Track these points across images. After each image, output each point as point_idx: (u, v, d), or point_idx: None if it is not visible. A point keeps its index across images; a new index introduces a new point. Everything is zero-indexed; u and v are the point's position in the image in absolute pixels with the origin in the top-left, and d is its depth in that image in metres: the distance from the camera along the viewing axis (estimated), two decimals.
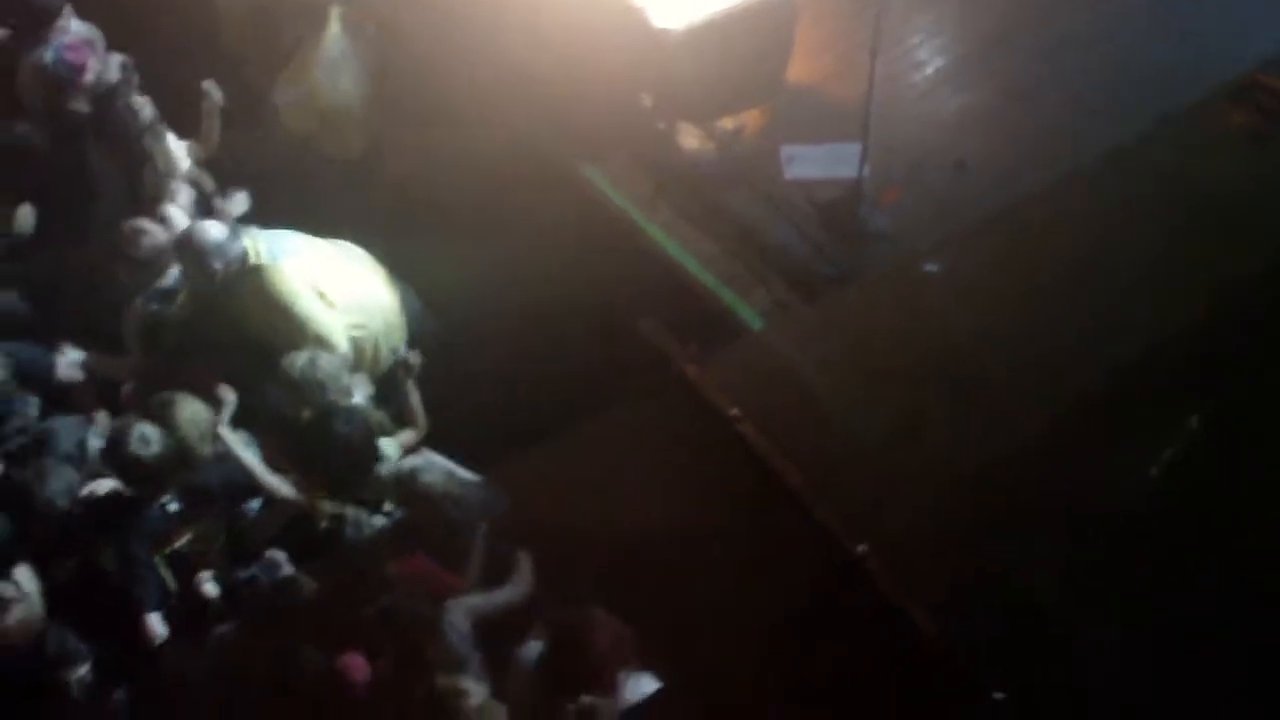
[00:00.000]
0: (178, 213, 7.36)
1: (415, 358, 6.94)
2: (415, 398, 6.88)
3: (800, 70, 8.51)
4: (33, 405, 6.78)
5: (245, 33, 8.52)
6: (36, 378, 6.94)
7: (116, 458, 6.30)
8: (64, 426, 6.67)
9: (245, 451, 6.50)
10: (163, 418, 6.38)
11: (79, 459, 6.52)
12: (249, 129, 8.18)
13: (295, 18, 8.22)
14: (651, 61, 8.10)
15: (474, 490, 6.29)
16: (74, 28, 8.04)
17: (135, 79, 7.84)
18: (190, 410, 6.44)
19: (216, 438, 6.48)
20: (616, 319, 7.47)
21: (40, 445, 6.58)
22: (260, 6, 8.41)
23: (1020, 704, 5.81)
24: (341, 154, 8.34)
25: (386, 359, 7.10)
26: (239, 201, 7.59)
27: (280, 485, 6.46)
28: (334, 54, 8.19)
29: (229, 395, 6.57)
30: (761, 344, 7.55)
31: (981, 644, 6.03)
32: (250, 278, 6.92)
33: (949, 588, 6.25)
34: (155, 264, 7.17)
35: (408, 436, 6.79)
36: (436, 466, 6.41)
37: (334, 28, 8.17)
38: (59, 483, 6.24)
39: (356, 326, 7.01)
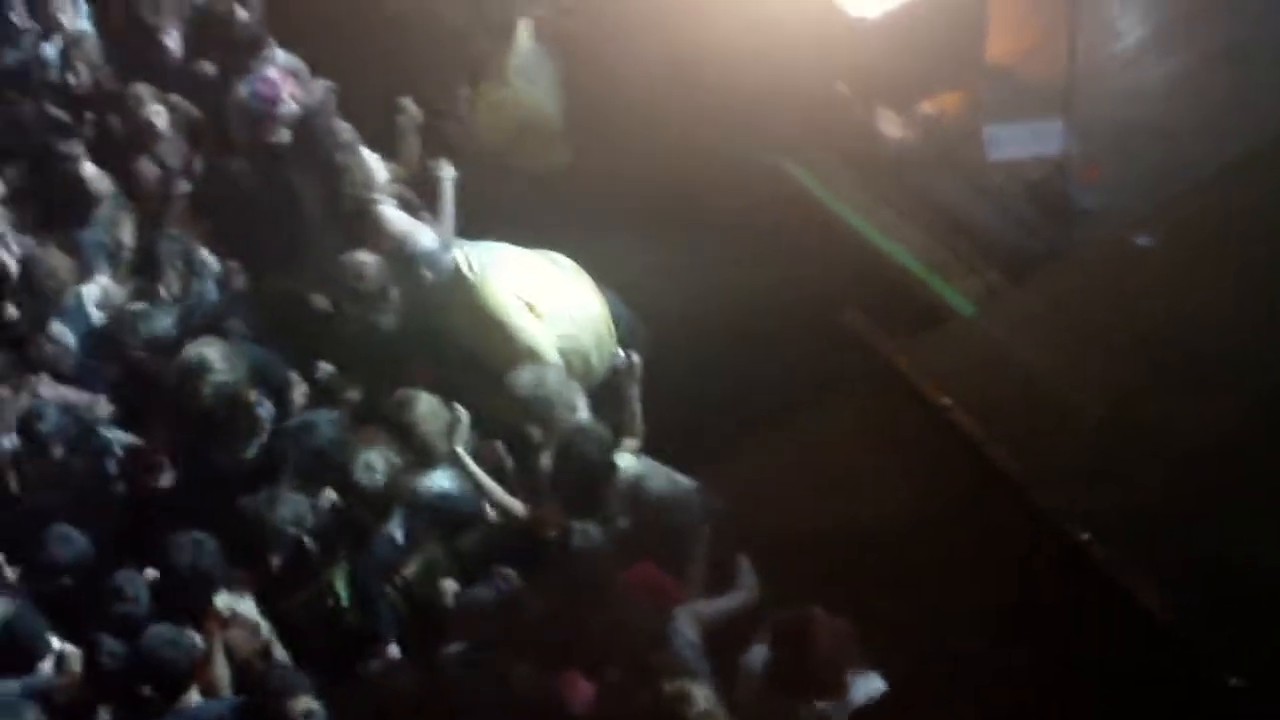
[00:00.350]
0: (393, 213, 7.45)
1: (636, 360, 6.87)
2: (636, 403, 6.84)
3: (998, 48, 8.35)
4: (266, 409, 6.85)
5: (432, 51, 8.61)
6: (271, 383, 7.00)
7: (342, 488, 6.40)
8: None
9: (477, 468, 6.49)
10: (400, 416, 6.47)
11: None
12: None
13: (483, 33, 8.30)
14: (847, 50, 8.05)
15: (694, 495, 6.27)
16: (278, 58, 8.27)
17: (335, 103, 8.03)
18: (428, 406, 6.51)
19: (451, 441, 6.51)
20: (822, 313, 7.44)
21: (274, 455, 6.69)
22: (446, 24, 8.52)
23: (1258, 690, 5.66)
24: (539, 165, 8.39)
25: (598, 369, 7.13)
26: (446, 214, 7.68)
27: (512, 502, 6.47)
28: (527, 65, 8.27)
29: (459, 412, 6.56)
30: (972, 329, 7.45)
31: (1214, 628, 5.90)
32: (459, 290, 7.02)
33: (1175, 570, 6.11)
34: (377, 293, 7.20)
35: (631, 444, 6.73)
36: (658, 473, 6.38)
37: (524, 40, 8.26)
38: (289, 510, 6.33)
39: (566, 337, 7.04)
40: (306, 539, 6.36)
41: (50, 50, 8.64)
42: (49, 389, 7.36)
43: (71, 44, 8.54)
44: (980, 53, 8.31)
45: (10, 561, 6.62)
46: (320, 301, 7.45)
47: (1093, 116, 7.66)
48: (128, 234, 7.91)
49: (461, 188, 7.63)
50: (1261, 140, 7.63)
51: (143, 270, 7.64)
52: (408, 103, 7.98)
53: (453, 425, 6.51)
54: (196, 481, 6.85)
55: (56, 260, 7.59)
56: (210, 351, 6.81)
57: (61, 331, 7.53)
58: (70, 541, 6.49)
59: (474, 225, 7.56)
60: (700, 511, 6.16)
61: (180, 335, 7.21)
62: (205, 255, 7.65)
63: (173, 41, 8.54)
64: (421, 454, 6.46)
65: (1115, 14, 8.44)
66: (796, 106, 8.11)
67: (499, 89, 8.30)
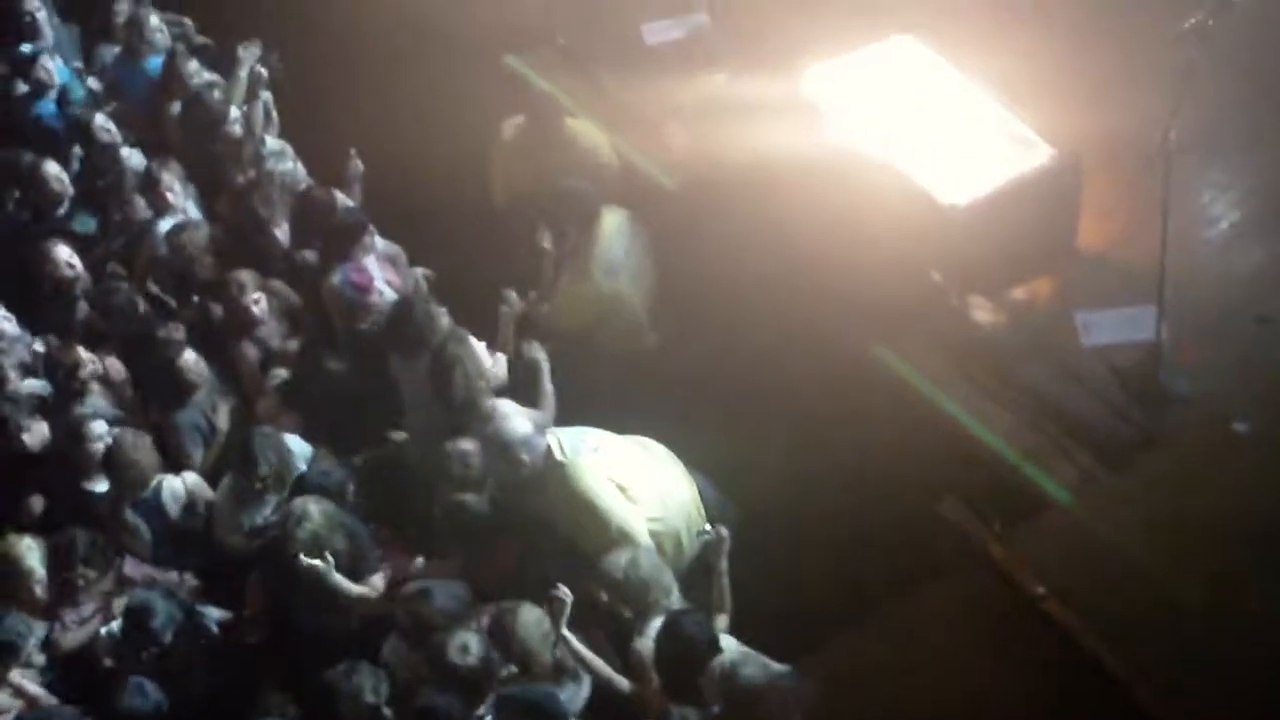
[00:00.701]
0: (501, 402, 7.50)
1: (725, 534, 6.88)
2: (725, 578, 6.84)
3: (1089, 234, 8.39)
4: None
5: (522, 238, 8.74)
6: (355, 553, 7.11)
7: (436, 669, 6.37)
8: None
9: (590, 654, 6.51)
10: (503, 628, 6.50)
11: None
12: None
13: (570, 219, 8.42)
14: (939, 238, 8.11)
15: (787, 682, 6.21)
16: (377, 245, 8.44)
17: (429, 289, 8.16)
18: (530, 616, 6.55)
19: (558, 644, 6.54)
20: (917, 500, 7.40)
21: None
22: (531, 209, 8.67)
23: None
24: (626, 348, 8.47)
25: (688, 550, 7.13)
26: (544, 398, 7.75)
27: (619, 681, 6.48)
28: (609, 255, 8.38)
29: (565, 595, 6.54)
30: (1067, 517, 7.35)
31: None
32: (553, 474, 7.04)
33: None
34: (479, 479, 7.29)
35: (722, 621, 6.74)
36: (752, 659, 6.34)
37: (609, 225, 8.39)
38: (365, 681, 6.33)
39: (657, 520, 7.06)
40: (385, 710, 6.35)
41: (159, 231, 8.87)
42: (134, 568, 7.47)
43: (179, 228, 8.75)
44: (1072, 239, 8.36)
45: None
46: (418, 483, 7.51)
47: (1185, 302, 7.62)
48: (224, 419, 8.06)
49: (554, 370, 7.75)
50: None
51: (234, 460, 7.73)
52: (509, 293, 8.10)
53: (551, 637, 6.53)
54: (287, 643, 6.90)
55: (140, 452, 7.68)
56: (313, 507, 7.01)
57: (135, 522, 7.63)
58: (145, 694, 6.60)
59: (566, 408, 7.62)
60: (793, 700, 6.10)
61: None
62: (296, 444, 7.74)
63: (281, 232, 8.75)
64: (520, 662, 6.50)
65: (1207, 200, 8.48)
66: (890, 292, 8.14)
67: (580, 281, 8.41)
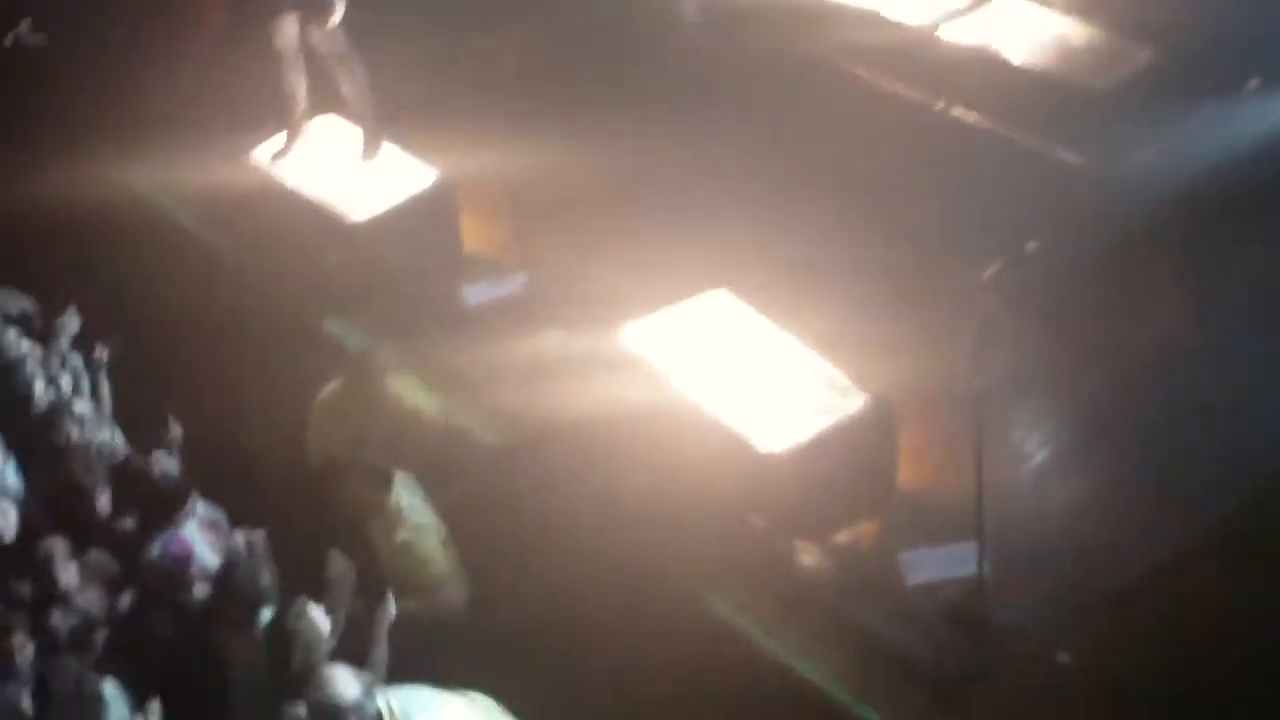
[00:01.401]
0: (336, 669, 7.33)
1: None
2: None
3: (909, 476, 8.59)
4: None
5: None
6: None
7: None
8: None
9: None
10: None
11: None
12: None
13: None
14: (761, 486, 8.22)
15: None
16: (198, 511, 8.30)
17: (259, 554, 8.02)
18: None
19: None
20: None
21: None
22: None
23: None
24: (435, 606, 8.34)
25: None
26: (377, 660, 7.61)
27: None
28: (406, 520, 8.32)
29: None
30: None
31: None
32: None
33: None
34: None
35: None
36: None
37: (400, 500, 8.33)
38: None
39: None
40: None
41: None
42: None
43: None
44: (891, 481, 8.53)
45: None
46: None
47: (1004, 536, 7.80)
48: None
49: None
50: (1173, 552, 7.84)
51: None
52: (336, 554, 8.00)
53: None
54: None
55: None
56: None
57: None
58: None
59: (397, 664, 7.50)
60: None
61: None
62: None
63: (102, 502, 8.58)
64: None
65: (1018, 438, 8.74)
66: (714, 539, 8.21)
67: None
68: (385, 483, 8.32)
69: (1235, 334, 9.29)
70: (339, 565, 7.94)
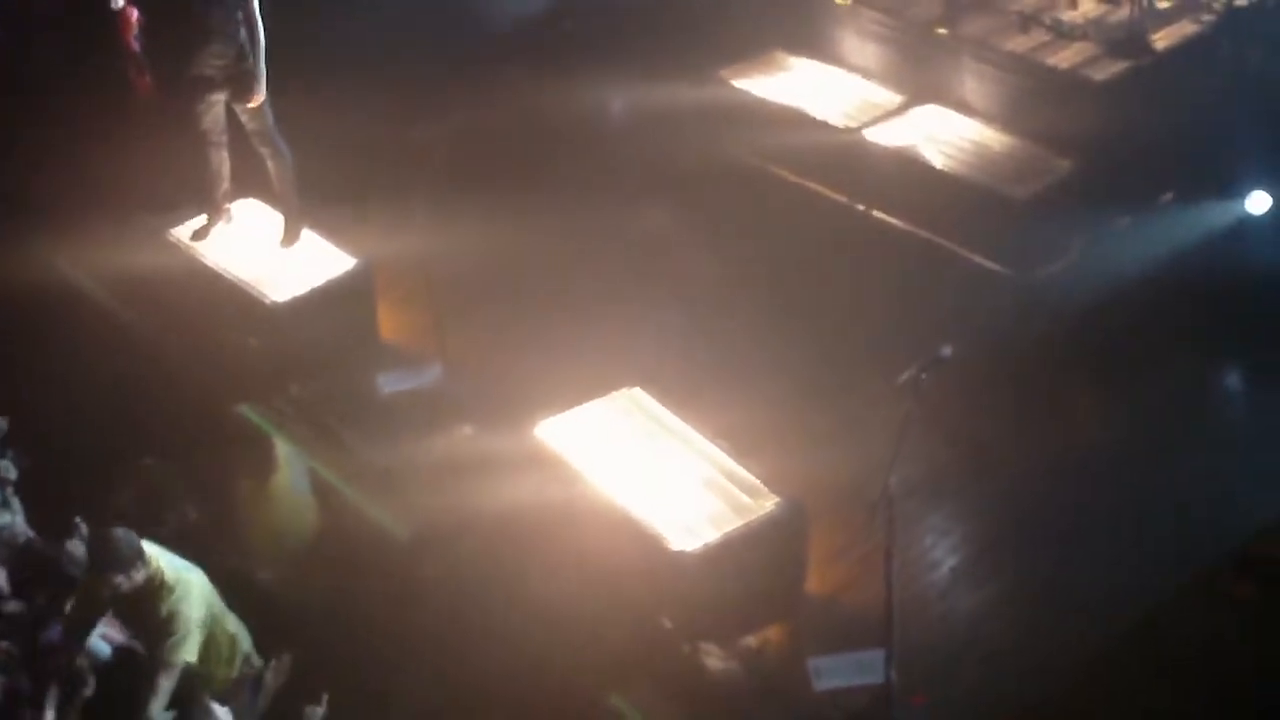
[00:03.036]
0: None
1: None
2: None
3: (818, 580, 8.58)
4: None
5: None
6: None
7: None
8: None
9: None
10: None
11: None
12: None
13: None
14: (670, 585, 8.18)
15: None
16: None
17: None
18: None
19: None
20: None
21: None
22: None
23: None
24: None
25: None
26: None
27: None
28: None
29: None
30: None
31: None
32: None
33: None
34: None
35: None
36: None
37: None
38: None
39: None
40: None
41: None
42: None
43: None
44: (801, 584, 8.52)
45: None
46: None
47: (913, 643, 7.78)
48: None
49: None
50: (1076, 659, 7.88)
51: None
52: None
53: None
54: None
55: None
56: None
57: None
58: None
59: None
60: None
61: None
62: None
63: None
64: None
65: (929, 544, 8.77)
66: (623, 637, 8.16)
67: None
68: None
69: (1148, 439, 9.39)
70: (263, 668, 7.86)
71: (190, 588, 7.42)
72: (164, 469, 8.58)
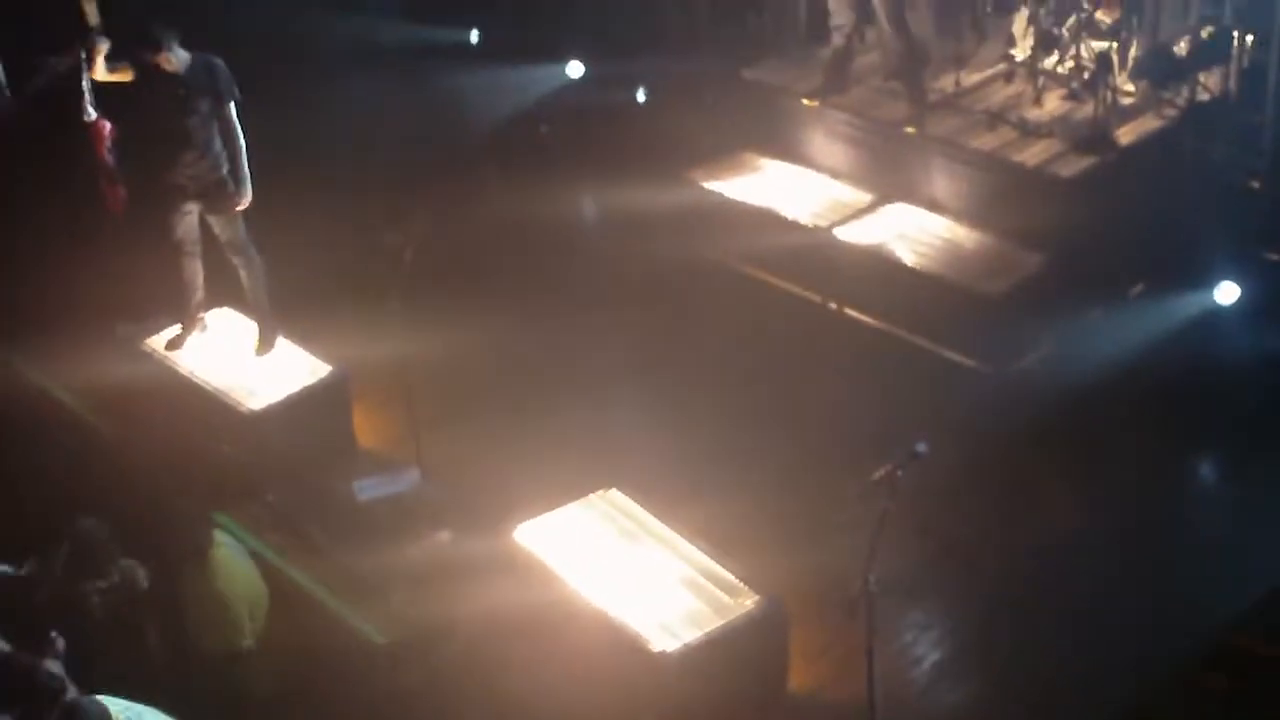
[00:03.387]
0: None
1: None
2: None
3: (800, 678, 8.56)
4: None
5: None
6: None
7: None
8: None
9: None
10: None
11: None
12: None
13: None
14: (651, 685, 8.14)
15: None
16: None
17: None
18: None
19: None
20: None
21: None
22: None
23: None
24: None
25: None
26: None
27: None
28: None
29: None
30: None
31: None
32: None
33: None
34: None
35: None
36: None
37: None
38: None
39: None
40: None
41: None
42: None
43: None
44: (782, 683, 8.50)
45: None
46: None
47: None
48: None
49: None
50: None
51: None
52: None
53: None
54: None
55: None
56: None
57: None
58: None
59: None
60: None
61: None
62: None
63: None
64: None
65: (909, 640, 8.76)
66: None
67: None
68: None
69: (1123, 530, 9.43)
70: None
71: None
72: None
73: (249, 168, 10.11)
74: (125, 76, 10.07)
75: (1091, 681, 8.35)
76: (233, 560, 8.72)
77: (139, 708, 7.32)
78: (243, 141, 10.04)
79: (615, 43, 14.52)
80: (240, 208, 10.20)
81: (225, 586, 8.54)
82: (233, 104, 9.98)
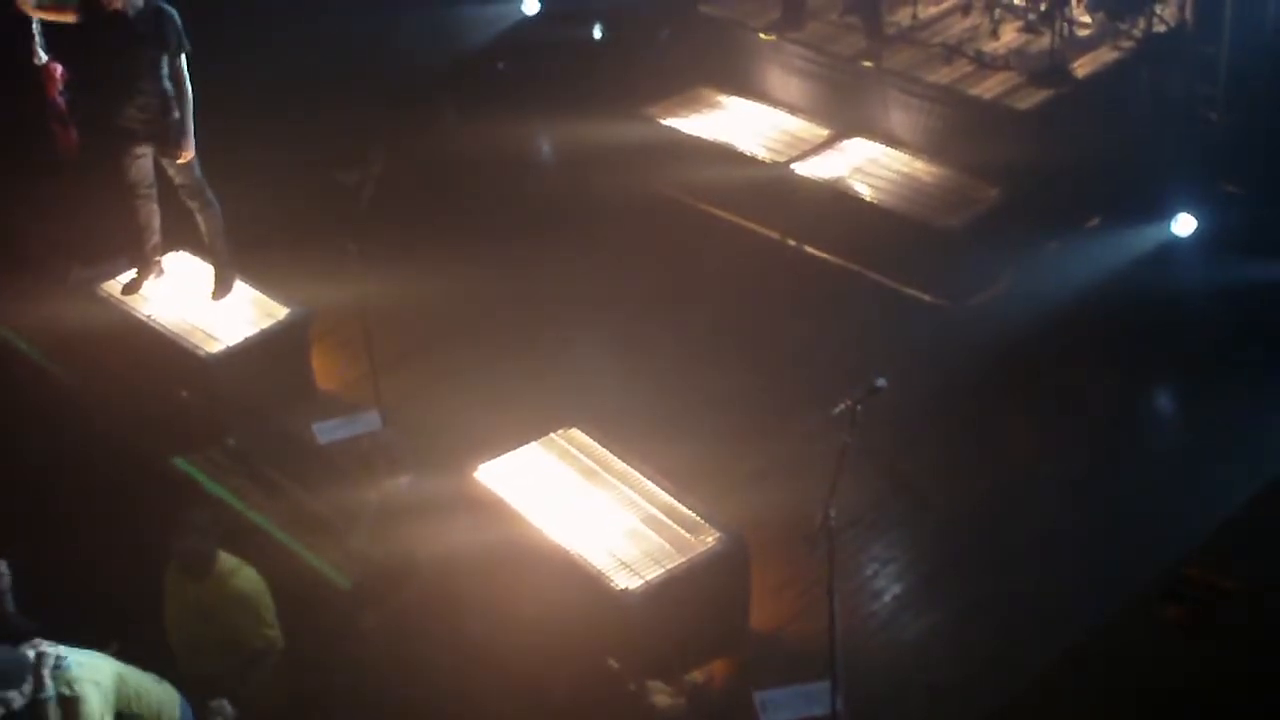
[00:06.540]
0: None
1: None
2: None
3: (762, 614, 8.59)
4: None
5: None
6: None
7: None
8: None
9: None
10: None
11: None
12: None
13: None
14: (614, 624, 8.17)
15: None
16: None
17: None
18: None
19: None
20: None
21: None
22: None
23: None
24: None
25: None
26: None
27: None
28: None
29: None
30: None
31: None
32: None
33: None
34: None
35: None
36: None
37: None
38: None
39: None
40: None
41: None
42: None
43: None
44: (745, 619, 8.52)
45: None
46: None
47: (858, 674, 7.84)
48: None
49: None
50: (1015, 686, 7.94)
51: None
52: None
53: None
54: None
55: None
56: None
57: None
58: None
59: None
60: None
61: None
62: None
63: None
64: None
65: (870, 574, 8.81)
66: (569, 678, 8.14)
67: None
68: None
69: (1081, 463, 9.49)
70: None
71: (88, 691, 7.30)
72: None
73: (196, 117, 10.02)
74: (68, 17, 9.96)
75: (1051, 615, 8.41)
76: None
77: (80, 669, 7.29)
78: (190, 93, 9.94)
79: None
80: (183, 160, 10.09)
81: (245, 585, 8.39)
82: (183, 55, 9.87)
